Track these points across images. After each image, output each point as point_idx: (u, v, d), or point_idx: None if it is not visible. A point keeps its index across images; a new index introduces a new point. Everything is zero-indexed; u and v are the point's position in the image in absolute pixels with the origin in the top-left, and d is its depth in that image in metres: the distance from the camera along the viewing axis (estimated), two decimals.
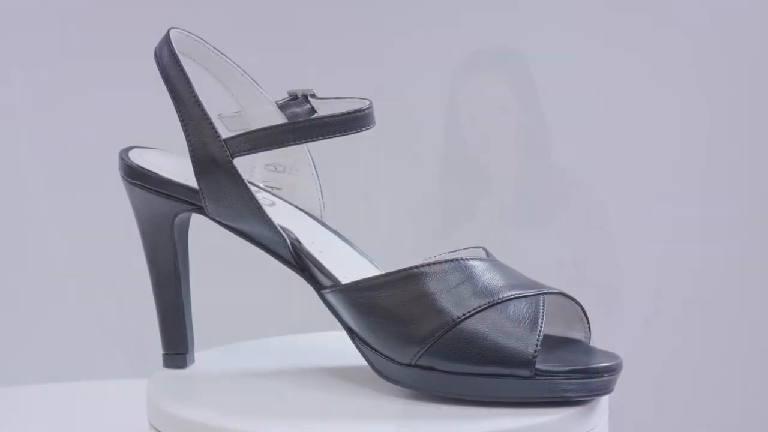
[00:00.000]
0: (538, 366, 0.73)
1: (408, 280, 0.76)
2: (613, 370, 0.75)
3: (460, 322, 0.75)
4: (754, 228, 1.57)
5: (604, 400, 0.78)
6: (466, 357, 0.74)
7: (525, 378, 0.73)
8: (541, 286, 0.78)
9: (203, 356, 0.90)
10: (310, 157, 0.89)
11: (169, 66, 0.81)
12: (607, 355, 0.76)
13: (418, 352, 0.75)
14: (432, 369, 0.75)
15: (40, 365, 1.56)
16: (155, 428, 0.79)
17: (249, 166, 0.89)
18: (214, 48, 0.86)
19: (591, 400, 0.75)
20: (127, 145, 0.88)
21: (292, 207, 0.89)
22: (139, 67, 1.54)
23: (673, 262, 1.57)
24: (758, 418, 1.57)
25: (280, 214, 0.87)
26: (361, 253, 0.87)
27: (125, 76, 1.54)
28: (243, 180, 0.80)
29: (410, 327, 0.76)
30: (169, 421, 0.77)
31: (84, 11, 1.53)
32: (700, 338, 1.57)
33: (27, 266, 1.56)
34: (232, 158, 0.80)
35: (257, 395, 0.80)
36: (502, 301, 0.75)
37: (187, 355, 0.87)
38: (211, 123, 0.80)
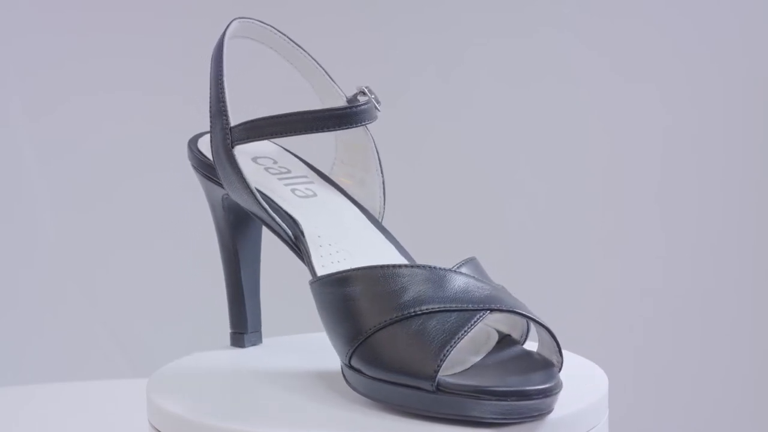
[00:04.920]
0: (443, 381, 0.71)
1: (361, 279, 0.76)
2: (525, 395, 0.70)
3: (381, 328, 0.74)
4: (752, 227, 1.57)
5: (602, 399, 0.77)
6: (381, 363, 0.73)
7: (428, 392, 0.71)
8: (497, 302, 0.74)
9: (205, 356, 0.90)
10: (376, 154, 0.90)
11: (216, 50, 0.85)
12: (547, 379, 0.72)
13: (348, 352, 0.75)
14: (360, 371, 0.75)
15: (40, 365, 1.56)
16: (155, 428, 0.79)
17: (330, 161, 0.92)
18: (290, 39, 0.89)
19: (509, 423, 0.71)
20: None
21: (346, 202, 0.90)
22: (145, 69, 1.55)
23: (671, 262, 1.57)
24: (758, 418, 1.57)
25: (312, 205, 0.88)
26: (406, 257, 0.86)
27: (128, 78, 1.54)
28: (239, 168, 0.82)
29: (346, 326, 0.75)
30: (169, 421, 0.77)
31: (87, 14, 1.53)
32: (699, 339, 1.57)
33: (27, 265, 1.56)
34: (233, 146, 0.82)
35: (259, 395, 0.80)
36: (429, 312, 0.73)
37: (246, 336, 0.91)
38: (225, 110, 0.83)
